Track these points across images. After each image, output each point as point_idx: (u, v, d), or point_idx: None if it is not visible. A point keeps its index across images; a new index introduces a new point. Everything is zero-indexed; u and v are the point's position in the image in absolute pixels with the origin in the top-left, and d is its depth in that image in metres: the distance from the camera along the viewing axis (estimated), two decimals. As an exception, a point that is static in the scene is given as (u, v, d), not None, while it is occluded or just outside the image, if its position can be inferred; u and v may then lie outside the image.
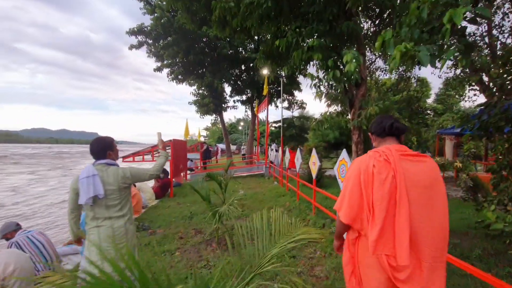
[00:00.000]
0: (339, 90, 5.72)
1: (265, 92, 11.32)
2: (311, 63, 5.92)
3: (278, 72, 7.12)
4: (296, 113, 17.67)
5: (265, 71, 12.51)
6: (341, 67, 5.60)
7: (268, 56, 6.23)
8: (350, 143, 11.44)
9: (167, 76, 15.94)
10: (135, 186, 6.73)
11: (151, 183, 8.49)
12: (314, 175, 5.42)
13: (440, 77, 11.66)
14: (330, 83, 5.57)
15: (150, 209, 6.77)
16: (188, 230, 5.00)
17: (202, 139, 19.53)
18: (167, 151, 2.89)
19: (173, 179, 10.81)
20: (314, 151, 5.47)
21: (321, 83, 5.55)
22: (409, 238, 1.21)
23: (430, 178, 1.31)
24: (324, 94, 5.59)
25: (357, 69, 4.84)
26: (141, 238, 4.59)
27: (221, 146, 30.89)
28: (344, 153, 3.95)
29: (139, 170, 2.50)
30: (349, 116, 6.03)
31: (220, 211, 3.71)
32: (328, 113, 5.76)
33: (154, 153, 8.58)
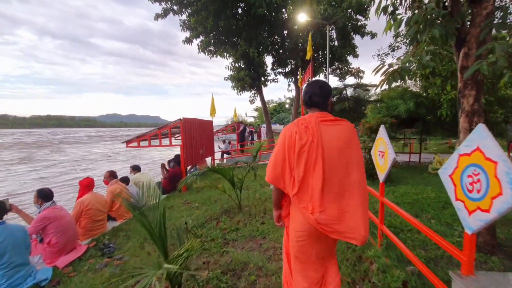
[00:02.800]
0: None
1: (308, 55, 8.61)
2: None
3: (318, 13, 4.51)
4: (349, 81, 14.48)
5: (300, 17, 9.62)
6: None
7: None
8: (429, 118, 8.18)
9: (198, 48, 14.17)
10: (124, 183, 5.15)
11: (151, 176, 6.91)
12: (381, 175, 2.91)
13: None
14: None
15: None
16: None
17: (239, 118, 17.65)
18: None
19: (196, 166, 9.21)
20: (382, 130, 2.92)
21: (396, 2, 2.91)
22: (321, 191, 1.40)
23: (345, 138, 1.48)
24: (404, 22, 2.90)
25: None
26: (82, 274, 2.87)
27: (272, 126, 28.84)
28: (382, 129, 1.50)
29: None
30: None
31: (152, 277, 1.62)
32: (412, 53, 3.07)
33: (164, 136, 6.91)
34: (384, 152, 2.83)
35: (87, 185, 4.04)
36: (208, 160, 9.86)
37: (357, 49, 15.00)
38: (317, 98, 1.57)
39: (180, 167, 6.60)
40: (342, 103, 8.16)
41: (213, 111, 9.69)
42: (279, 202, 1.67)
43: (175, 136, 8.84)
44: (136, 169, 5.79)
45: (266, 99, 16.81)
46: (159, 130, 6.59)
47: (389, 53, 12.45)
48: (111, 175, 4.72)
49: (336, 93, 9.23)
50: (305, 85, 1.70)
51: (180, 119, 6.52)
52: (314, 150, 1.42)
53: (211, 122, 9.59)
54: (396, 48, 12.01)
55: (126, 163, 17.52)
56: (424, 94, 7.45)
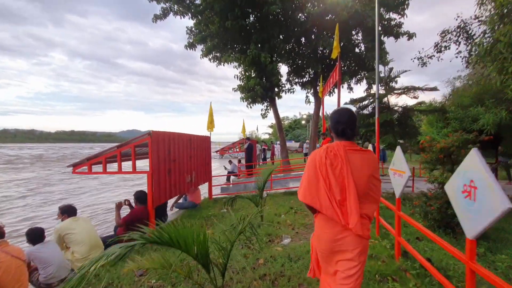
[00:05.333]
0: None
1: (334, 53, 6.33)
2: None
3: None
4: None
5: None
6: None
7: None
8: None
9: (201, 54, 12.35)
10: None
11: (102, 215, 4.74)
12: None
13: None
14: None
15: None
16: None
17: (247, 134, 15.45)
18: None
19: (185, 197, 6.98)
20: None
21: None
22: (359, 209, 1.59)
23: (369, 164, 1.68)
24: None
25: None
26: None
27: (287, 144, 26.28)
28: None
29: None
30: None
31: None
32: None
33: (124, 156, 4.74)
34: None
35: None
36: (203, 187, 7.62)
37: (388, 55, 12.70)
38: (350, 131, 1.72)
39: (145, 205, 4.36)
40: (385, 114, 5.79)
41: (210, 125, 7.55)
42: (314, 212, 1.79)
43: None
44: (66, 212, 3.61)
45: (280, 116, 14.62)
46: (119, 149, 4.45)
47: (433, 55, 10.01)
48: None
49: (373, 100, 6.89)
50: (333, 112, 1.82)
51: (148, 133, 4.36)
52: (346, 177, 1.60)
53: (207, 138, 7.42)
54: (443, 48, 9.58)
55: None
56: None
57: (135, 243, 1.95)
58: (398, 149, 3.04)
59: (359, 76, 14.44)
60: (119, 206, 4.33)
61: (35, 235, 3.03)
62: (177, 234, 2.04)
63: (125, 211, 4.89)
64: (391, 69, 6.41)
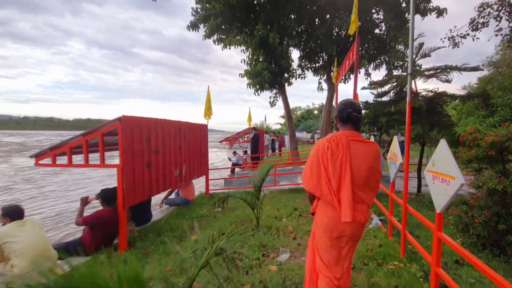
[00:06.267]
0: None
1: (352, 29, 5.23)
2: None
3: None
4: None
5: None
6: None
7: None
8: None
9: (203, 35, 11.39)
10: None
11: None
12: None
13: None
14: None
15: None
16: None
17: (256, 123, 14.57)
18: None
19: (177, 192, 6.27)
20: None
21: None
22: (352, 199, 1.62)
23: (370, 155, 1.69)
24: None
25: None
26: None
27: (298, 134, 25.32)
28: None
29: None
30: None
31: None
32: None
33: (92, 145, 4.00)
34: None
35: None
36: (198, 182, 6.88)
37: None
38: (356, 114, 1.73)
39: (114, 206, 3.61)
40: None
41: (208, 112, 6.70)
42: (313, 200, 1.89)
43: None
44: (9, 214, 2.90)
45: (292, 106, 13.63)
46: (85, 138, 3.70)
47: (468, 34, 8.68)
48: None
49: (396, 84, 5.82)
50: (339, 103, 1.85)
51: (118, 119, 3.57)
52: (343, 165, 1.64)
53: (203, 127, 6.60)
54: (480, 26, 8.24)
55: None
56: None
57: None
58: (443, 143, 2.09)
59: (378, 60, 13.14)
60: (84, 201, 3.59)
61: None
62: (84, 279, 1.23)
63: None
64: (421, 44, 5.28)
